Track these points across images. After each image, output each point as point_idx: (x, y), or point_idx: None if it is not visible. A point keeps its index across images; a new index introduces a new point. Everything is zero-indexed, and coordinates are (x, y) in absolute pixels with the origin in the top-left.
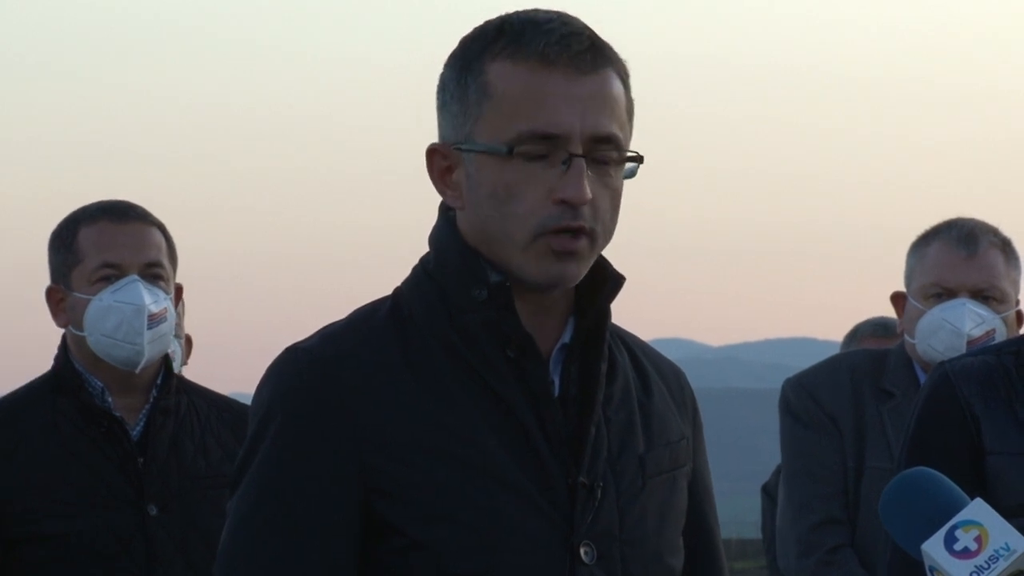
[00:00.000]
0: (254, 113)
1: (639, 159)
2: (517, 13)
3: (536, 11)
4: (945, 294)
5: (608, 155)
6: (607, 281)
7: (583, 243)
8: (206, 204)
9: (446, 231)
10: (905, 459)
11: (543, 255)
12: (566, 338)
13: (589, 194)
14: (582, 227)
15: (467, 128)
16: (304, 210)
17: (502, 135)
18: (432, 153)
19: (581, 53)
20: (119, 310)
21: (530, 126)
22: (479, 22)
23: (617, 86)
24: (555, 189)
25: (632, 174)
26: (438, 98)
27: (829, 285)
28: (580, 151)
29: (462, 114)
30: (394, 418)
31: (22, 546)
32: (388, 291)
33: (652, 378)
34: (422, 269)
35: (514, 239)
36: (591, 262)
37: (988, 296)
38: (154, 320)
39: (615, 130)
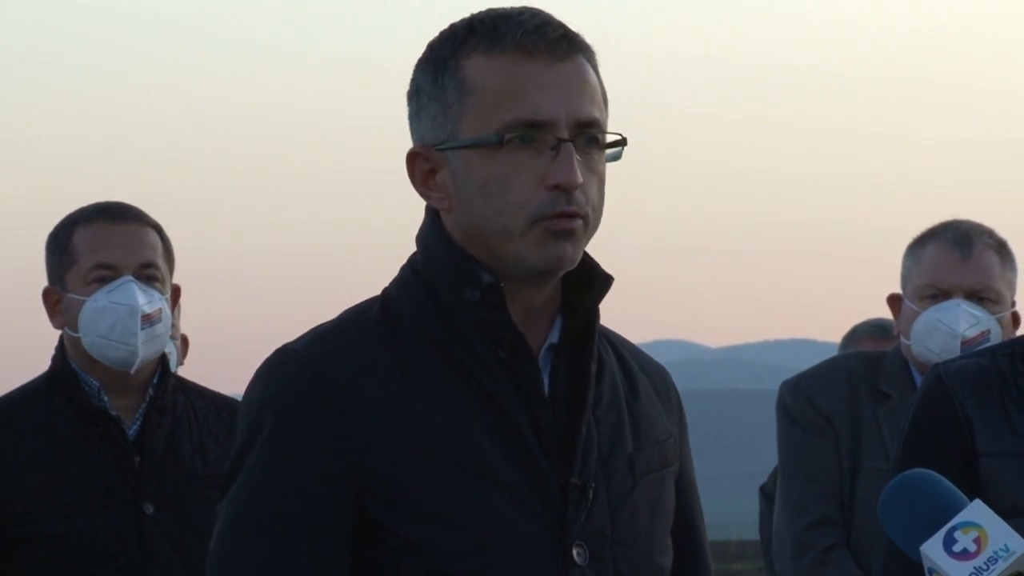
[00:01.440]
0: (254, 113)
1: (623, 141)
2: (485, 11)
3: (502, 8)
4: (940, 295)
5: (595, 137)
6: (595, 281)
7: (578, 224)
8: (206, 204)
9: (434, 230)
10: (899, 461)
11: (541, 238)
12: (553, 338)
13: (580, 178)
14: (576, 212)
15: (449, 127)
16: (304, 210)
17: (488, 128)
18: (413, 157)
19: (557, 40)
20: (113, 311)
21: (516, 115)
22: None
23: (592, 73)
24: (547, 175)
25: (617, 157)
26: (411, 104)
27: (829, 286)
28: (567, 136)
29: (442, 115)
30: (383, 418)
31: (22, 546)
32: None
33: (639, 378)
34: (410, 269)
35: (509, 230)
36: (584, 246)
37: (983, 297)
38: (148, 321)
39: (597, 114)
